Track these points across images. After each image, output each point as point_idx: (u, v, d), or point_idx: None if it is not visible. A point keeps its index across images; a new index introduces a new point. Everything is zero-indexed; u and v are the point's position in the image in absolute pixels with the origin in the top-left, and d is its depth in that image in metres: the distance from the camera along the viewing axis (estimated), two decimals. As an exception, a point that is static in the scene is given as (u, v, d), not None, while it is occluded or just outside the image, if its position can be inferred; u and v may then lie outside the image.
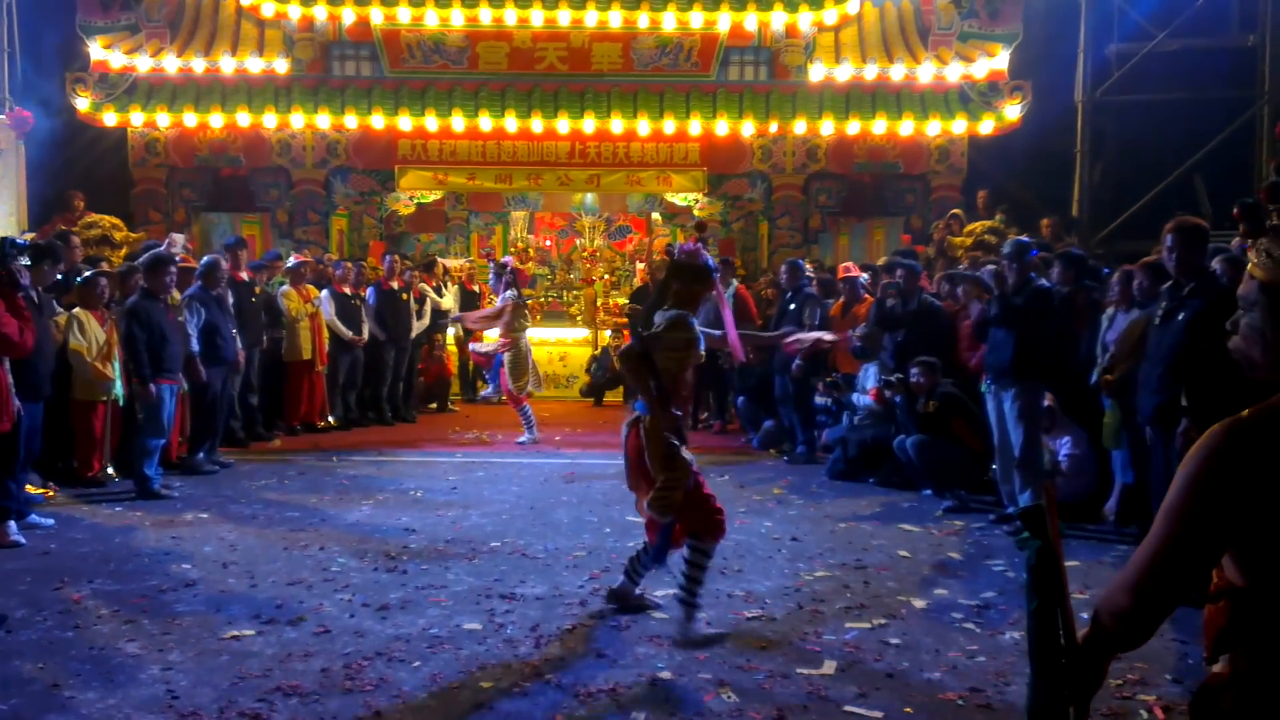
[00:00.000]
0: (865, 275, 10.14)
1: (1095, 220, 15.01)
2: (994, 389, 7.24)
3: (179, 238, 11.31)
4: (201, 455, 9.02)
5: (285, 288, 10.99)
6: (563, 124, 13.90)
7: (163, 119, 13.96)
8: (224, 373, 9.23)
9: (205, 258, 9.62)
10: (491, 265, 11.38)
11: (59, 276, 8.01)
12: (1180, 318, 5.74)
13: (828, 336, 6.66)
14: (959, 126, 13.97)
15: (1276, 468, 1.68)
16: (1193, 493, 1.72)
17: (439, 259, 14.14)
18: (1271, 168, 6.61)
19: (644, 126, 13.91)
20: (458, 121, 13.93)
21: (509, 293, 10.64)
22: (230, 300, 9.77)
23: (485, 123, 13.92)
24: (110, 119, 13.93)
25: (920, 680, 4.42)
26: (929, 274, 10.58)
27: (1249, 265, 1.90)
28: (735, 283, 12.04)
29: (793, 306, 9.78)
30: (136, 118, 13.92)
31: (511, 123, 13.91)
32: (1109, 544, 6.84)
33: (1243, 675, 1.75)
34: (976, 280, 7.81)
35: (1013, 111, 13.86)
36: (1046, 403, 7.32)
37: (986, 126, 13.94)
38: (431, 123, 13.96)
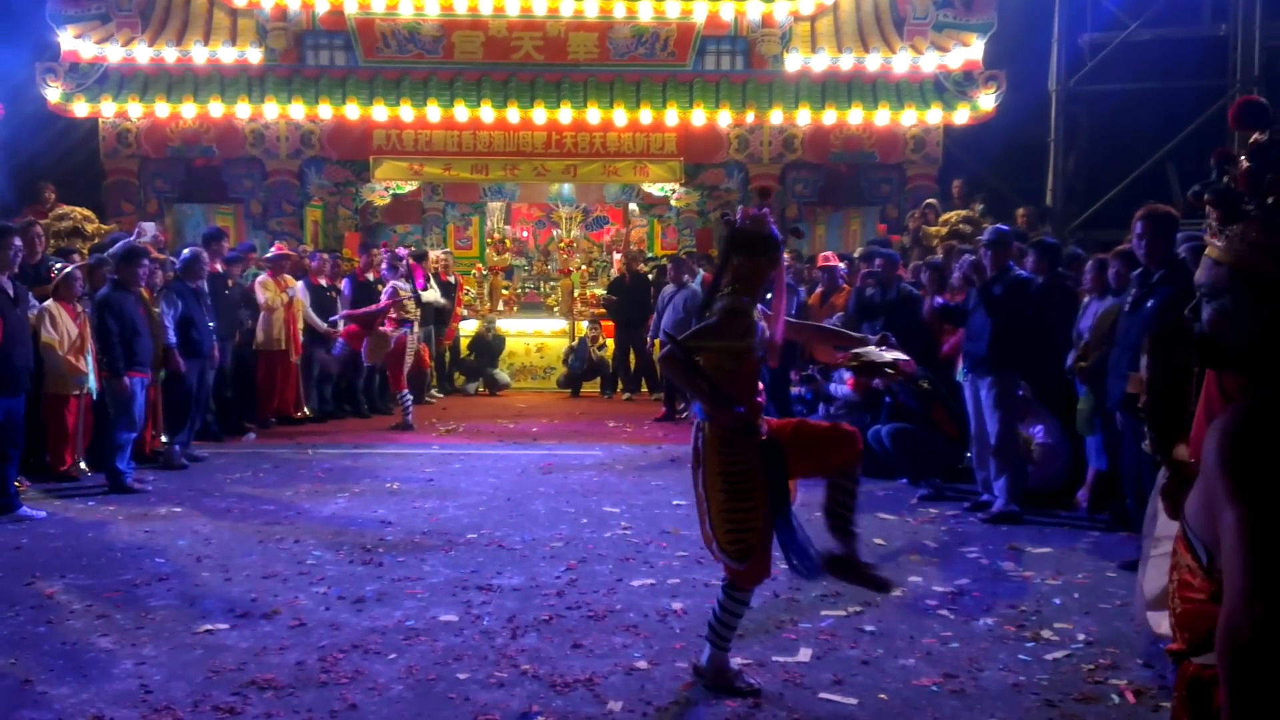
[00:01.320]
0: (843, 265, 10.16)
1: (1069, 209, 15.10)
2: (971, 377, 7.30)
3: (149, 227, 11.21)
4: (177, 448, 8.95)
5: (263, 277, 10.92)
6: (539, 114, 13.85)
7: (134, 109, 13.82)
8: (200, 366, 9.16)
9: (186, 250, 9.53)
10: (387, 256, 11.20)
11: (28, 266, 7.94)
12: (1149, 305, 5.79)
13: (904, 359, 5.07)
14: (934, 116, 14.01)
15: None
16: (1258, 492, 1.64)
17: (429, 250, 14.09)
18: (1244, 154, 6.62)
19: (620, 116, 13.88)
20: (433, 112, 13.85)
21: (391, 285, 10.70)
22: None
23: (461, 113, 13.86)
24: (81, 109, 13.79)
25: (895, 666, 4.45)
26: (905, 263, 10.62)
27: (1210, 251, 1.90)
28: (701, 272, 12.07)
29: (769, 296, 9.77)
30: (108, 108, 13.78)
31: (487, 113, 13.85)
32: (1081, 530, 6.90)
33: None
34: (937, 269, 7.87)
35: (987, 101, 13.92)
36: (1020, 391, 7.37)
37: (961, 116, 13.99)
38: (407, 113, 13.88)
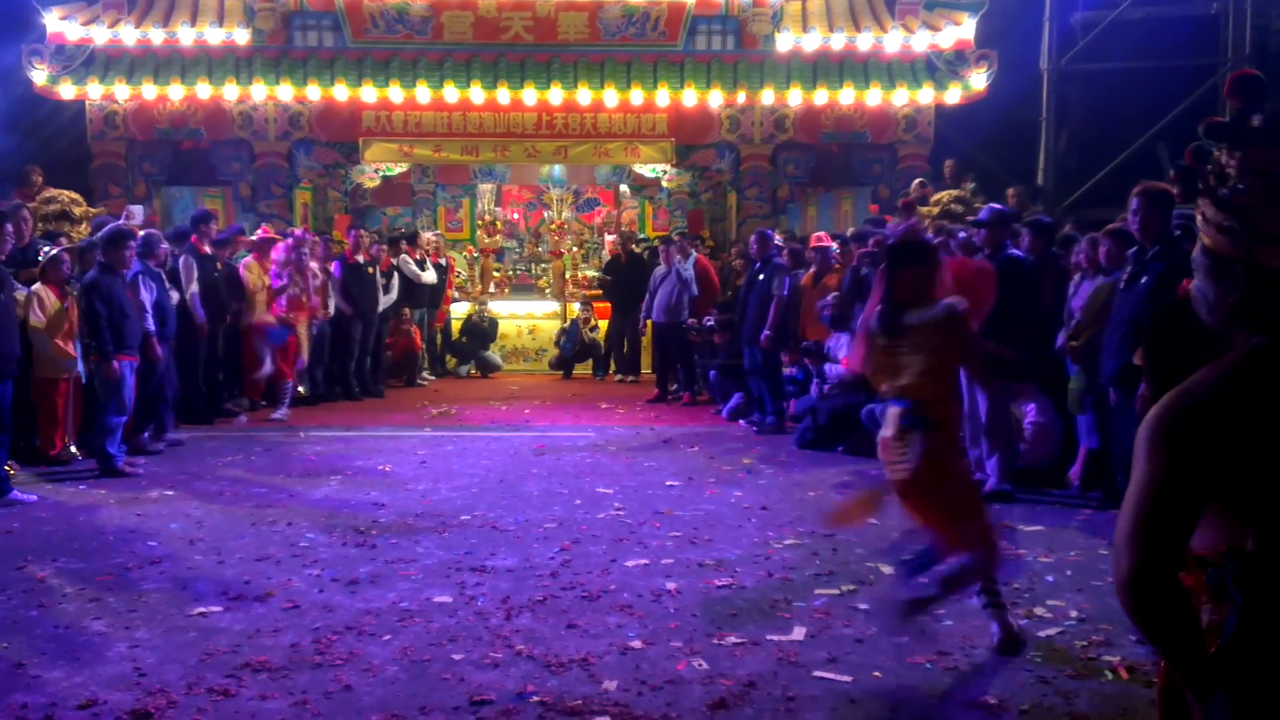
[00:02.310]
0: (835, 245, 10.15)
1: (1060, 188, 15.10)
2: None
3: (137, 210, 11.14)
4: (147, 435, 8.86)
5: (248, 259, 10.86)
6: (529, 95, 13.77)
7: (121, 91, 13.70)
8: (167, 351, 9.05)
9: (145, 231, 9.29)
10: (285, 243, 10.84)
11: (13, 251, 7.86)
12: (1144, 281, 5.79)
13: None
14: (926, 96, 13.97)
15: (1231, 425, 1.71)
16: (1161, 458, 1.75)
17: (421, 231, 14.03)
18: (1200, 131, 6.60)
19: (611, 97, 13.81)
20: (423, 93, 13.77)
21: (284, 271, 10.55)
22: (196, 273, 9.68)
23: (451, 94, 13.77)
24: (68, 92, 13.66)
25: (888, 645, 4.46)
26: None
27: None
28: (694, 254, 12.06)
29: (762, 277, 9.80)
30: (94, 90, 13.67)
31: (477, 94, 13.76)
32: (1074, 509, 6.92)
33: (1220, 626, 1.79)
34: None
35: (979, 80, 13.87)
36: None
37: (953, 96, 13.95)
38: (396, 94, 13.79)
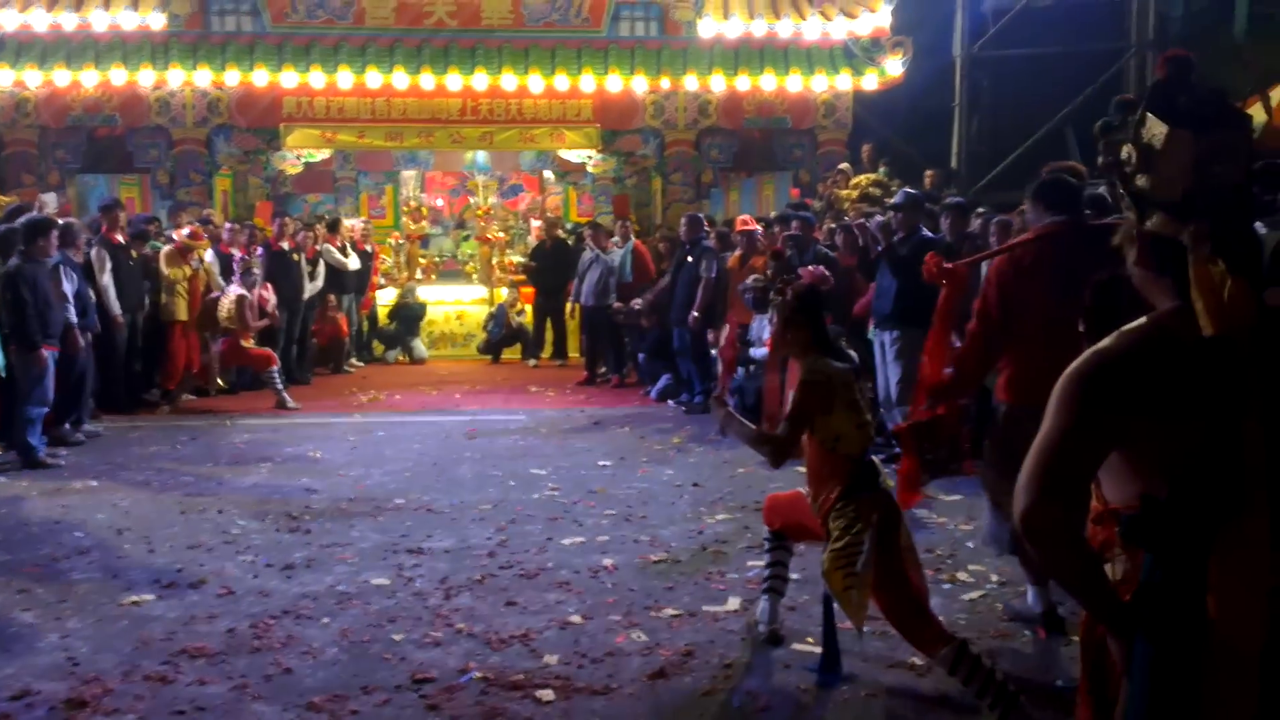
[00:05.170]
0: (759, 228, 10.31)
1: (972, 172, 15.46)
2: (878, 333, 7.55)
3: (50, 199, 10.85)
4: (68, 426, 8.69)
5: (167, 248, 10.65)
6: (453, 81, 13.68)
7: (33, 77, 13.30)
8: (87, 341, 8.86)
9: (63, 220, 9.14)
10: (237, 263, 10.93)
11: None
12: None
13: None
14: (844, 82, 14.19)
15: (1143, 381, 1.83)
16: (1069, 411, 1.87)
17: (343, 219, 13.88)
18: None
19: (536, 83, 13.78)
20: (345, 78, 13.59)
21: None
22: (108, 264, 9.47)
23: (374, 79, 13.60)
24: (-24, 77, 13.24)
25: (819, 611, 4.58)
26: (818, 226, 10.81)
27: None
28: (633, 239, 12.14)
29: (690, 259, 9.92)
30: (5, 76, 13.23)
31: (401, 79, 13.63)
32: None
33: (1133, 576, 1.91)
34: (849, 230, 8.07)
35: (895, 67, 14.12)
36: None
37: (870, 82, 14.19)
38: (317, 79, 13.58)
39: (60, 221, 8.82)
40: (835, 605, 3.92)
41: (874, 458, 3.97)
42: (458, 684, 3.95)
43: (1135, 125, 1.95)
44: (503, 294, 14.26)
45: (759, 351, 9.28)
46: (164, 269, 10.44)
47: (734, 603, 4.76)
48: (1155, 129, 1.89)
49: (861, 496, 3.79)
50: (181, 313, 10.48)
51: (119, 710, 3.78)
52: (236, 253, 11.27)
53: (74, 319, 8.41)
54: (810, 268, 4.25)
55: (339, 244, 12.90)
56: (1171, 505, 1.81)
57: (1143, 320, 1.92)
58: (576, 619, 4.59)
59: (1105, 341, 1.90)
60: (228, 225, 12.03)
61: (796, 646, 4.27)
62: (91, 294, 9.00)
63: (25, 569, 5.37)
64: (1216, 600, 1.77)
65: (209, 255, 11.04)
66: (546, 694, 3.86)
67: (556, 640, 4.36)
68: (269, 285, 11.22)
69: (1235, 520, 1.77)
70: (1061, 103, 14.70)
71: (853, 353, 4.25)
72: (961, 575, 5.13)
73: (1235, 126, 1.92)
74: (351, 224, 13.83)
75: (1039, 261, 4.40)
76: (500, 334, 13.90)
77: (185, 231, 10.90)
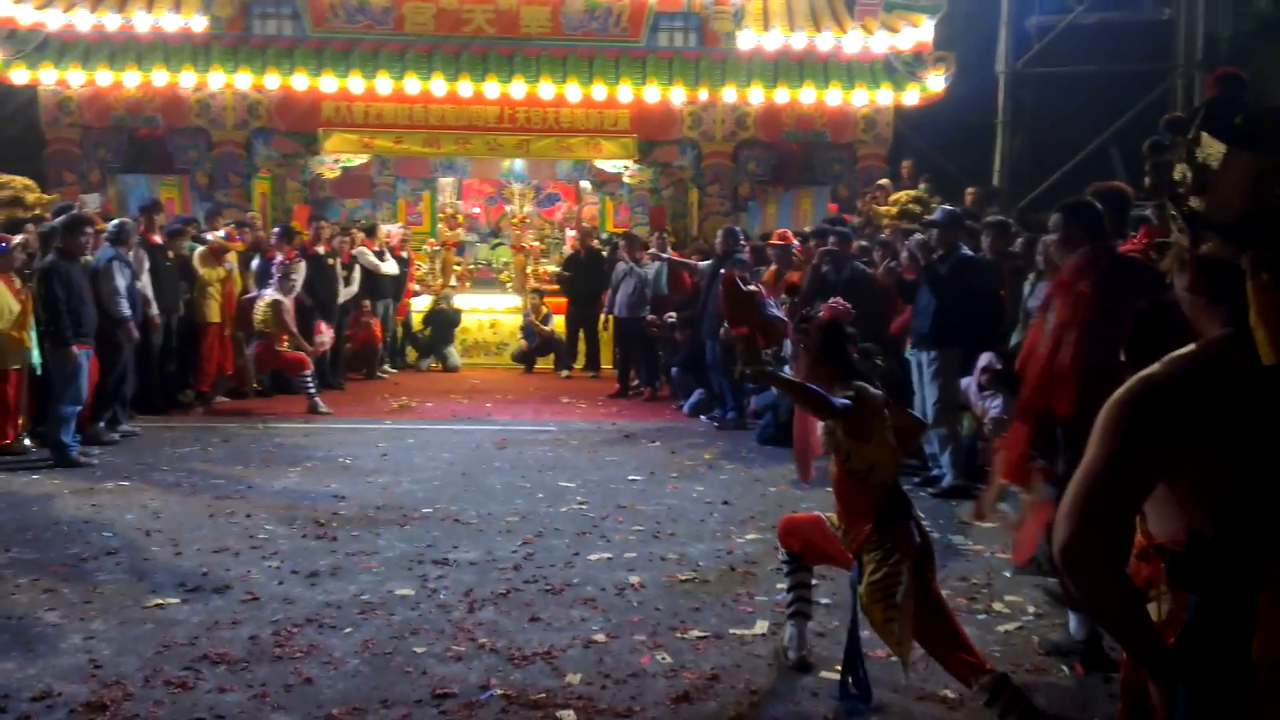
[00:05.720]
0: (796, 242, 10.23)
1: (1014, 190, 15.29)
2: (915, 353, 7.44)
3: (92, 199, 10.94)
4: (102, 424, 8.74)
5: (201, 250, 10.71)
6: (491, 88, 13.70)
7: (75, 77, 13.45)
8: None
9: (115, 220, 9.29)
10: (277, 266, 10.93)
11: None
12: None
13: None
14: (884, 97, 14.07)
15: (1192, 411, 1.75)
16: (1114, 437, 1.79)
17: (380, 224, 13.92)
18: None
19: (574, 92, 13.78)
20: (383, 83, 13.64)
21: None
22: (146, 264, 9.53)
23: (412, 85, 13.65)
24: (20, 76, 13.38)
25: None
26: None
27: None
28: (669, 251, 12.08)
29: (724, 272, 9.83)
30: (48, 75, 13.41)
31: (439, 86, 13.66)
32: (1029, 505, 7.01)
33: (1178, 616, 1.82)
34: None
35: (936, 82, 13.99)
36: (983, 362, 7.50)
37: (911, 97, 14.06)
38: (356, 84, 13.64)
39: (115, 220, 9.00)
40: (863, 634, 3.83)
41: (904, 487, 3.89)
42: (478, 700, 3.89)
43: (1189, 145, 1.86)
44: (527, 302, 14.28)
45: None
46: (198, 269, 10.50)
47: (762, 626, 4.67)
48: (1211, 149, 1.81)
49: (896, 527, 3.71)
50: (214, 314, 10.54)
51: (138, 716, 3.75)
52: (280, 256, 11.31)
53: (128, 313, 8.57)
54: (832, 301, 4.14)
55: (376, 249, 12.92)
56: (1220, 543, 1.73)
57: (1192, 347, 1.83)
58: (601, 637, 4.52)
59: (1153, 367, 1.82)
60: (274, 231, 12.08)
61: (824, 674, 4.17)
62: (139, 293, 9.08)
63: (53, 568, 5.37)
64: (1262, 642, 1.69)
65: (235, 259, 11.08)
66: (568, 714, 3.79)
67: (580, 659, 4.29)
68: (324, 325, 11.32)
69: None
70: (1106, 121, 14.53)
71: (883, 368, 4.14)
72: (997, 605, 5.01)
73: None
74: (389, 229, 13.86)
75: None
76: (534, 343, 13.89)
77: (221, 233, 10.96)
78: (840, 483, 3.86)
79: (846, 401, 3.75)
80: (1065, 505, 1.81)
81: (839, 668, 4.17)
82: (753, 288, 4.66)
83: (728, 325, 5.18)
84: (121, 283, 8.58)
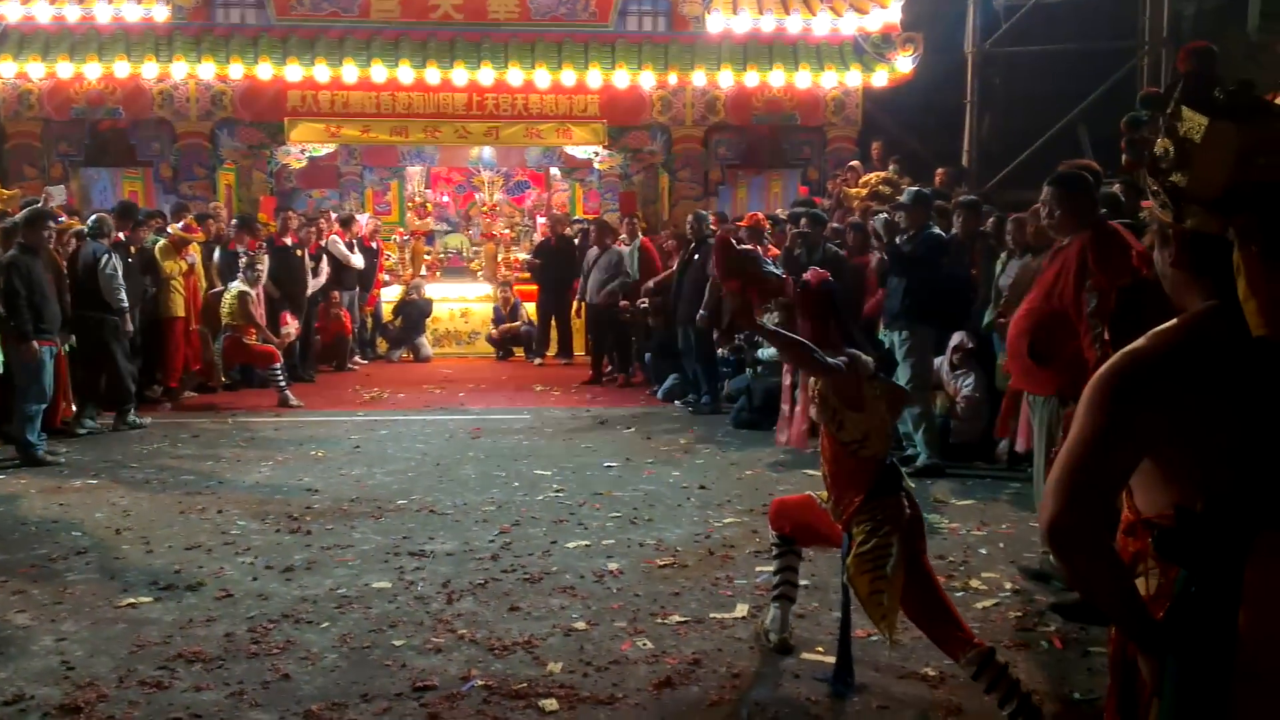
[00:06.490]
0: (768, 226, 10.21)
1: (984, 169, 15.31)
2: (887, 333, 7.47)
3: (57, 191, 10.76)
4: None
5: (162, 243, 10.55)
6: (459, 75, 13.58)
7: (36, 69, 13.23)
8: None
9: (96, 214, 9.31)
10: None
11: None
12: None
13: None
14: (853, 78, 14.07)
15: (1177, 385, 1.74)
16: (1100, 411, 1.78)
17: (354, 215, 13.79)
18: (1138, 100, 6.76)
19: (543, 78, 13.68)
20: (350, 72, 13.48)
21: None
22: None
23: (379, 73, 13.50)
24: (-22, 69, 13.17)
25: (829, 619, 4.50)
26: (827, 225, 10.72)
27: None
28: (640, 236, 12.04)
29: (697, 257, 9.83)
30: (8, 68, 13.17)
31: (406, 73, 13.52)
32: (1003, 482, 7.07)
33: (1166, 590, 1.81)
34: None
35: (905, 63, 13.99)
36: (955, 342, 7.53)
37: (880, 78, 14.06)
38: (322, 73, 13.48)
39: (95, 215, 9.04)
40: (854, 613, 3.82)
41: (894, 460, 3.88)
42: (459, 692, 3.85)
43: (1169, 119, 1.84)
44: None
45: (767, 352, 9.18)
46: (160, 263, 10.35)
47: (742, 609, 4.66)
48: (1192, 122, 1.79)
49: (886, 498, 3.69)
50: (179, 309, 10.40)
51: (113, 717, 3.69)
52: (241, 247, 11.18)
53: (125, 302, 8.75)
54: (812, 270, 4.11)
55: (347, 240, 12.80)
56: (1208, 517, 1.72)
57: (1176, 320, 1.82)
58: (581, 625, 4.49)
59: (1138, 341, 1.81)
60: (231, 223, 11.94)
61: (806, 656, 4.17)
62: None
63: (21, 570, 5.28)
64: (1248, 614, 1.69)
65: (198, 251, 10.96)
66: (550, 704, 3.76)
67: (560, 647, 4.27)
68: (289, 316, 11.21)
69: (1273, 530, 1.69)
70: (1074, 100, 14.56)
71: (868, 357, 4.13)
72: (974, 582, 5.03)
73: (1278, 117, 1.82)
74: (362, 219, 13.75)
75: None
76: (503, 326, 13.85)
77: (180, 225, 10.82)
78: (831, 456, 3.84)
79: (840, 361, 3.73)
80: (1051, 481, 1.80)
81: (820, 649, 4.18)
82: (747, 246, 4.63)
83: (718, 281, 5.08)
84: (120, 273, 8.68)
